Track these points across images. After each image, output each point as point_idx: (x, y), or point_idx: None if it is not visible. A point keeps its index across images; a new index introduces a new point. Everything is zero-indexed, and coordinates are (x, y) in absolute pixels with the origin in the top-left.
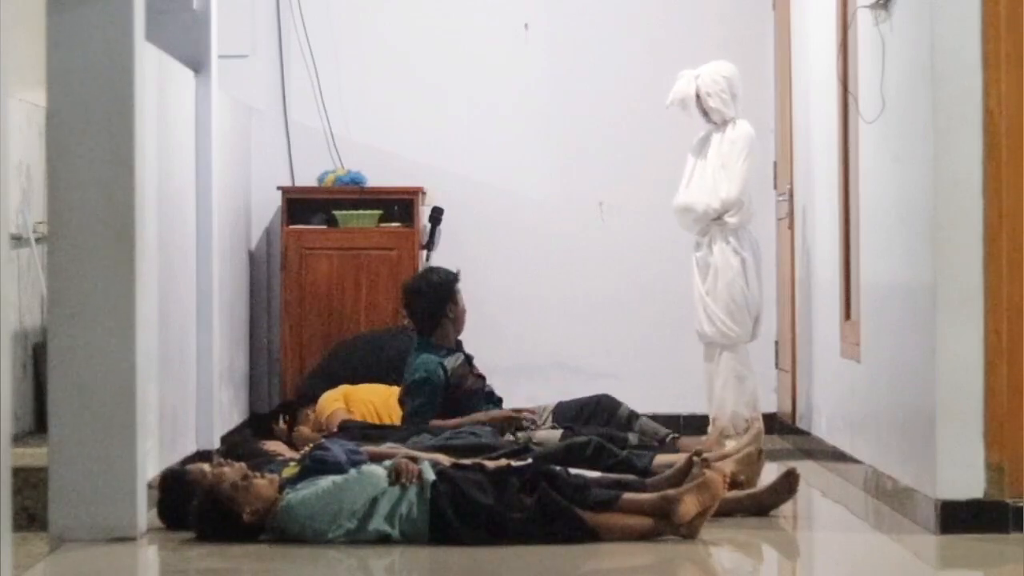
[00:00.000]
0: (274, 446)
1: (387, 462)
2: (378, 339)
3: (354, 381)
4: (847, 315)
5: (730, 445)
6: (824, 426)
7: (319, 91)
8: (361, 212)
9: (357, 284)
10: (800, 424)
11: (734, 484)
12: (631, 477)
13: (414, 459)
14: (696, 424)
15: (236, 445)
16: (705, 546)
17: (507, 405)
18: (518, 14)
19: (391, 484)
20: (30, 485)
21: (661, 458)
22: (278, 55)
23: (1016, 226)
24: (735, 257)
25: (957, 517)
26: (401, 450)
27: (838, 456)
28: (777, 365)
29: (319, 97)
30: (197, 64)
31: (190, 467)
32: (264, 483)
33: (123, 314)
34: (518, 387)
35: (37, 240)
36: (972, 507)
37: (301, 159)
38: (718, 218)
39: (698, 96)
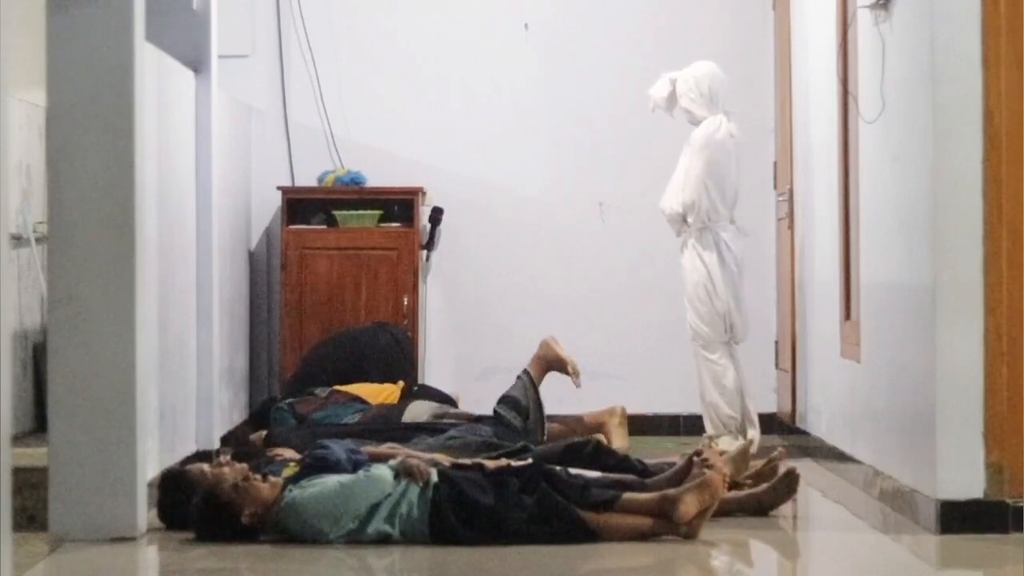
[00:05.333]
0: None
1: (392, 462)
2: (356, 337)
3: (338, 381)
4: (847, 315)
5: (724, 443)
6: (824, 426)
7: (319, 91)
8: (361, 212)
9: (357, 284)
10: (800, 424)
11: (734, 484)
12: (631, 477)
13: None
14: (696, 424)
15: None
16: (705, 546)
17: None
18: (518, 14)
19: (398, 481)
20: (30, 485)
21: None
22: (278, 55)
23: (1016, 226)
24: (698, 259)
25: (957, 517)
26: (401, 450)
27: (838, 456)
28: (777, 365)
29: (319, 97)
30: (197, 64)
31: (190, 467)
32: (265, 486)
33: (123, 314)
34: None
35: (37, 240)
36: (972, 507)
37: (301, 159)
38: (684, 220)
39: None
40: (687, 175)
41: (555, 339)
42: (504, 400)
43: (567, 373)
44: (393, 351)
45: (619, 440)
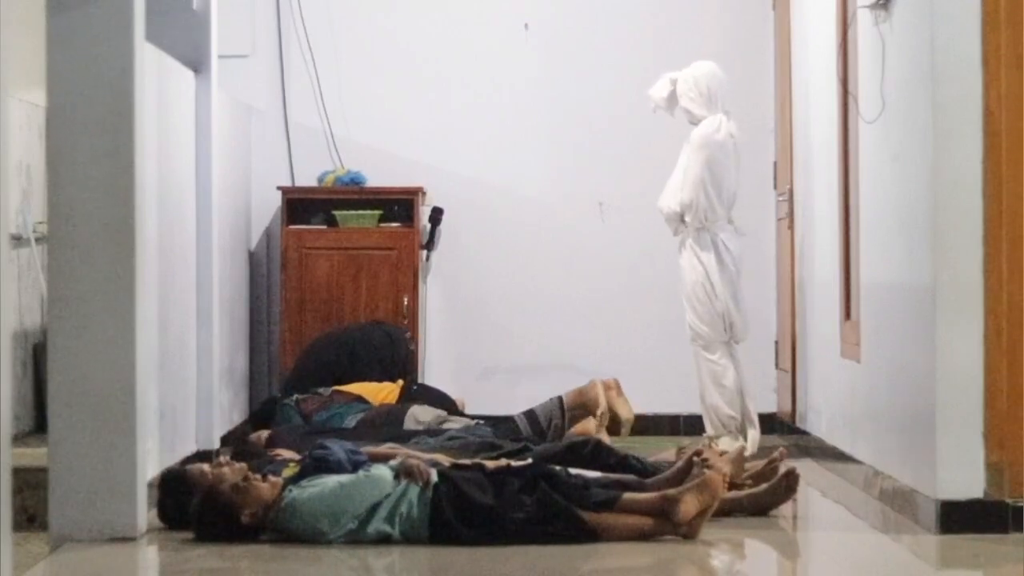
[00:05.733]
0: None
1: (392, 462)
2: (351, 335)
3: (333, 379)
4: (847, 315)
5: (723, 444)
6: (824, 426)
7: (319, 91)
8: (361, 212)
9: (357, 284)
10: (800, 424)
11: (734, 484)
12: (631, 477)
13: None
14: (696, 424)
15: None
16: (705, 546)
17: (508, 406)
18: (518, 14)
19: (398, 481)
20: (30, 485)
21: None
22: (278, 55)
23: (1016, 226)
24: (696, 259)
25: (957, 517)
26: (401, 450)
27: (838, 456)
28: (777, 365)
29: (319, 97)
30: (197, 64)
31: (190, 467)
32: (265, 486)
33: (123, 314)
34: (519, 387)
35: (37, 240)
36: (972, 507)
37: (301, 159)
38: (682, 220)
39: None
40: (685, 175)
41: (610, 385)
42: (526, 412)
43: (594, 415)
44: (387, 349)
45: (624, 410)
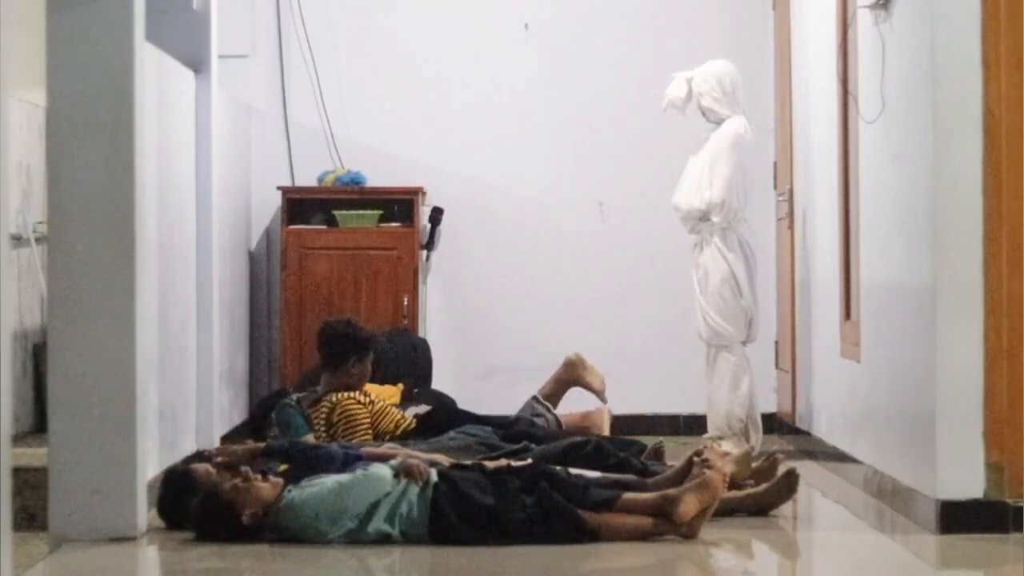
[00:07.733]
0: None
1: (392, 462)
2: (378, 340)
3: None
4: (847, 315)
5: (726, 445)
6: (824, 426)
7: (319, 91)
8: (361, 212)
9: (357, 284)
10: (800, 424)
11: (734, 484)
12: (631, 477)
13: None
14: (696, 424)
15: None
16: (705, 546)
17: (508, 406)
18: (518, 14)
19: (397, 480)
20: (30, 485)
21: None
22: (278, 55)
23: (1016, 226)
24: (722, 258)
25: (957, 517)
26: (401, 450)
27: (838, 456)
28: (777, 365)
29: (319, 97)
30: (197, 64)
31: (194, 466)
32: (265, 486)
33: (123, 314)
34: (518, 387)
35: (37, 240)
36: (972, 507)
37: (301, 159)
38: (704, 219)
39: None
40: (713, 173)
41: (581, 358)
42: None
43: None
44: (408, 356)
45: (595, 380)
